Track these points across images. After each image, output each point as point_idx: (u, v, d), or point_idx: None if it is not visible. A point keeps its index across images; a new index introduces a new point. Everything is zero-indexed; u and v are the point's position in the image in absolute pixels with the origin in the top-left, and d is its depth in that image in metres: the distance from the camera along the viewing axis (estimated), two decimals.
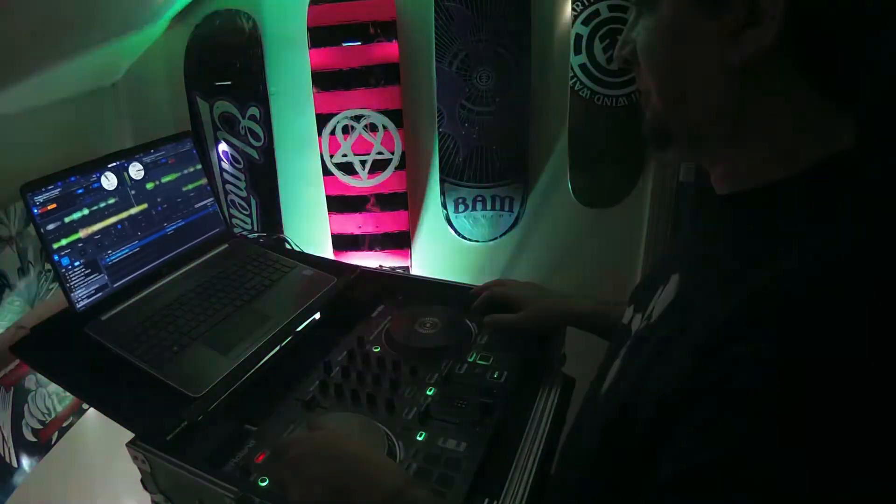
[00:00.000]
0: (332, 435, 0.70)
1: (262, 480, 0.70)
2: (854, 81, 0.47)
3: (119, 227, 1.02)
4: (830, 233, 0.43)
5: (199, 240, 1.16)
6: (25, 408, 1.04)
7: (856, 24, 0.45)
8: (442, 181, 1.45)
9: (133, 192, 1.06)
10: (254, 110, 1.43)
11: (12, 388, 1.01)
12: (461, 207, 1.47)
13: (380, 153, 1.43)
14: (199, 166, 1.19)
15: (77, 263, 0.95)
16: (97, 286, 0.97)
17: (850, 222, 0.43)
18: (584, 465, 0.57)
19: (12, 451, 1.00)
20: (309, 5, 1.34)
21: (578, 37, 1.30)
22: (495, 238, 1.50)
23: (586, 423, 0.63)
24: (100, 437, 1.20)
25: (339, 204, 1.48)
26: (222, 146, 1.47)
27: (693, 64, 0.50)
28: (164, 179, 1.12)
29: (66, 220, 0.94)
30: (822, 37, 0.45)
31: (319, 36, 1.35)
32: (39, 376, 1.06)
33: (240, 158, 1.48)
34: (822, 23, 0.44)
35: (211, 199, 1.21)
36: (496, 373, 0.87)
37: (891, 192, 0.46)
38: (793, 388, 0.38)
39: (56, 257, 0.92)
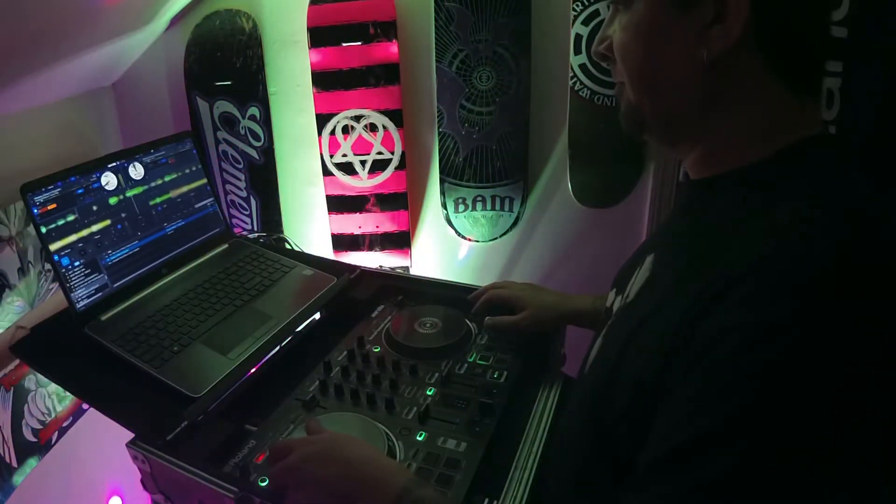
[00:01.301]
0: (336, 438, 0.69)
1: (262, 480, 0.69)
2: (818, 74, 0.52)
3: (119, 226, 1.02)
4: (794, 210, 0.45)
5: (199, 240, 1.16)
6: (25, 408, 1.04)
7: (818, 22, 0.50)
8: (442, 181, 1.45)
9: (133, 192, 1.06)
10: (254, 110, 1.43)
11: (12, 388, 1.01)
12: (461, 207, 1.47)
13: (380, 153, 1.43)
14: (198, 166, 1.19)
15: (77, 263, 0.95)
16: (97, 286, 0.97)
17: (811, 202, 0.46)
18: (570, 443, 0.59)
19: (12, 451, 1.00)
20: (309, 5, 1.34)
21: (578, 37, 1.30)
22: (495, 238, 1.50)
23: (572, 402, 0.65)
24: (100, 437, 1.20)
25: (339, 204, 1.48)
26: (222, 146, 1.47)
27: (665, 59, 0.52)
28: (165, 179, 1.12)
29: (66, 220, 0.94)
30: (786, 34, 0.48)
31: (319, 36, 1.35)
32: (39, 376, 1.06)
33: (240, 158, 1.48)
34: (787, 21, 0.48)
35: (211, 199, 1.21)
36: (496, 373, 0.87)
37: (852, 174, 0.49)
38: (767, 355, 0.40)
39: (56, 257, 0.92)
